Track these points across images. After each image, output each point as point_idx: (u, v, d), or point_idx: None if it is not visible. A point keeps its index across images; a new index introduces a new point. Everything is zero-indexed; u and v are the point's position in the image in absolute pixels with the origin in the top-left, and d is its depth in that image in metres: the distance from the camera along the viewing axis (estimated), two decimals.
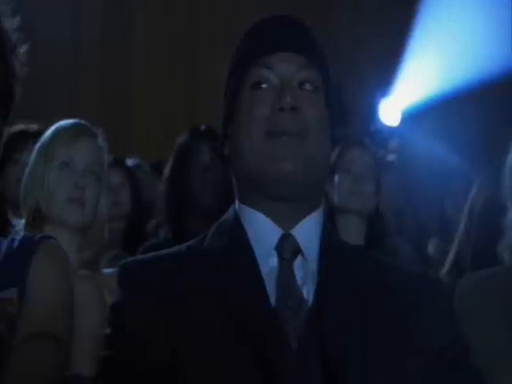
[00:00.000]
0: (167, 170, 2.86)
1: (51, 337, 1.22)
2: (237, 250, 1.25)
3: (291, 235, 1.26)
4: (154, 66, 6.32)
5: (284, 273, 1.23)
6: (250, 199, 1.28)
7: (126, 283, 1.25)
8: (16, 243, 1.28)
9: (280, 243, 1.25)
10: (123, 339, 1.21)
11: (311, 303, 1.22)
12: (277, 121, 1.24)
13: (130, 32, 6.38)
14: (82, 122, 1.99)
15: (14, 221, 1.90)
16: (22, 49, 1.28)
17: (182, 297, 1.21)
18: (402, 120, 6.04)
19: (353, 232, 2.54)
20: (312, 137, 1.25)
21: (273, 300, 1.21)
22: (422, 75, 5.92)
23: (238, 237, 1.27)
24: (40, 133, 2.08)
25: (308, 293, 1.22)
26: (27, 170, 1.95)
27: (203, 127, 2.87)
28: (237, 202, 1.31)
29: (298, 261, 1.25)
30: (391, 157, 4.74)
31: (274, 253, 1.25)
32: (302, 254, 1.25)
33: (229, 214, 1.31)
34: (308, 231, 1.27)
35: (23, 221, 1.90)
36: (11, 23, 1.27)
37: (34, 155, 1.95)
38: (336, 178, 2.58)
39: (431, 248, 3.50)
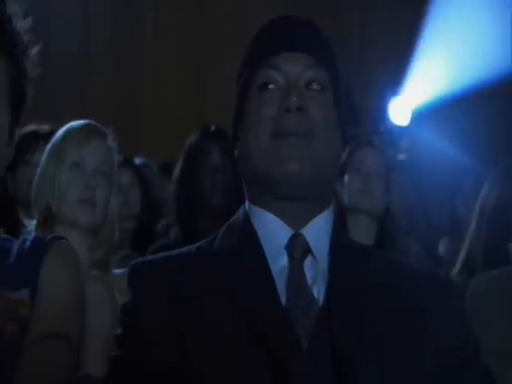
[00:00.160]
0: (177, 171, 2.86)
1: (63, 337, 1.23)
2: (247, 250, 1.26)
3: (301, 235, 1.26)
4: (164, 66, 6.33)
5: (294, 272, 1.24)
6: (259, 199, 1.29)
7: (137, 284, 1.26)
8: (27, 244, 1.28)
9: (290, 243, 1.25)
10: (134, 339, 1.22)
11: (322, 303, 1.22)
12: (283, 121, 1.25)
13: (140, 32, 6.39)
14: (93, 122, 2.00)
15: (26, 221, 1.92)
16: (34, 50, 1.29)
17: (193, 297, 1.21)
18: (411, 120, 6.03)
19: (363, 232, 2.54)
20: (319, 137, 1.25)
21: (283, 299, 1.21)
22: (432, 75, 5.90)
23: (248, 237, 1.27)
24: (51, 133, 2.09)
25: (318, 292, 1.23)
26: (38, 170, 1.96)
27: (213, 127, 2.87)
28: (246, 203, 1.32)
29: (308, 260, 1.25)
30: (401, 156, 4.73)
31: (284, 252, 1.25)
32: (312, 254, 1.25)
33: (239, 215, 1.32)
34: (318, 231, 1.27)
35: (34, 221, 1.91)
36: (23, 24, 1.27)
37: (45, 156, 1.96)
38: (346, 178, 2.58)
39: (442, 248, 3.49)
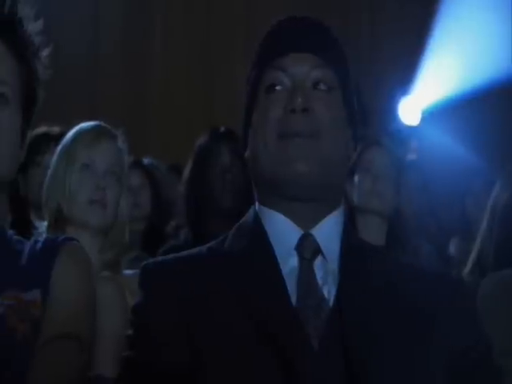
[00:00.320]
0: (187, 172, 2.87)
1: (74, 338, 1.23)
2: (257, 251, 1.26)
3: (311, 235, 1.26)
4: (173, 67, 6.34)
5: (304, 272, 1.24)
6: (268, 200, 1.29)
7: (148, 284, 1.26)
8: (39, 245, 1.29)
9: (300, 243, 1.25)
10: (145, 340, 1.22)
11: (332, 303, 1.22)
12: (288, 122, 1.25)
13: (149, 34, 6.40)
14: (103, 124, 2.01)
15: (37, 223, 1.93)
16: (45, 52, 1.29)
17: (203, 297, 1.21)
18: (421, 119, 6.02)
19: (373, 232, 2.54)
20: (325, 137, 1.25)
21: (293, 300, 1.21)
22: (442, 74, 5.89)
23: (258, 237, 1.27)
24: (62, 135, 2.09)
25: (329, 293, 1.23)
26: (49, 172, 1.97)
27: (223, 129, 2.86)
28: (256, 203, 1.32)
29: (318, 261, 1.25)
30: (411, 156, 4.72)
31: (295, 253, 1.25)
32: (322, 254, 1.25)
33: (249, 216, 1.32)
34: (328, 231, 1.27)
35: (45, 223, 1.92)
36: (34, 27, 1.28)
37: (55, 157, 1.97)
38: (356, 178, 2.58)
39: (452, 248, 3.48)
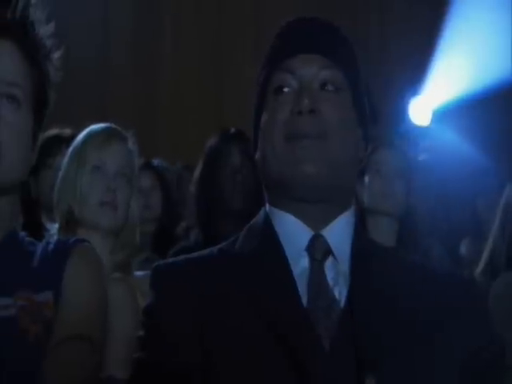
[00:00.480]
0: (197, 173, 2.87)
1: (86, 339, 1.24)
2: (268, 252, 1.26)
3: (322, 236, 1.26)
4: (183, 68, 6.35)
5: (315, 273, 1.24)
6: (278, 201, 1.29)
7: (159, 286, 1.26)
8: (51, 247, 1.30)
9: (311, 244, 1.25)
10: (156, 341, 1.22)
11: (343, 304, 1.22)
12: (295, 124, 1.25)
13: (158, 35, 6.41)
14: (113, 125, 2.01)
15: (48, 225, 1.94)
16: (56, 55, 1.30)
17: (214, 298, 1.21)
18: (432, 120, 6.00)
19: (384, 233, 2.54)
20: (333, 138, 1.25)
21: (304, 301, 1.21)
22: (452, 74, 5.88)
23: (268, 238, 1.27)
24: (73, 137, 2.10)
25: (340, 293, 1.22)
26: (60, 174, 1.97)
27: (233, 130, 2.87)
28: (267, 205, 1.32)
29: (328, 262, 1.25)
30: (422, 157, 4.71)
31: (305, 254, 1.25)
32: (333, 255, 1.25)
33: (259, 217, 1.32)
34: (339, 232, 1.27)
35: (57, 225, 1.93)
36: (45, 30, 1.28)
37: (66, 159, 1.98)
38: (366, 179, 2.58)
39: (464, 248, 3.47)
